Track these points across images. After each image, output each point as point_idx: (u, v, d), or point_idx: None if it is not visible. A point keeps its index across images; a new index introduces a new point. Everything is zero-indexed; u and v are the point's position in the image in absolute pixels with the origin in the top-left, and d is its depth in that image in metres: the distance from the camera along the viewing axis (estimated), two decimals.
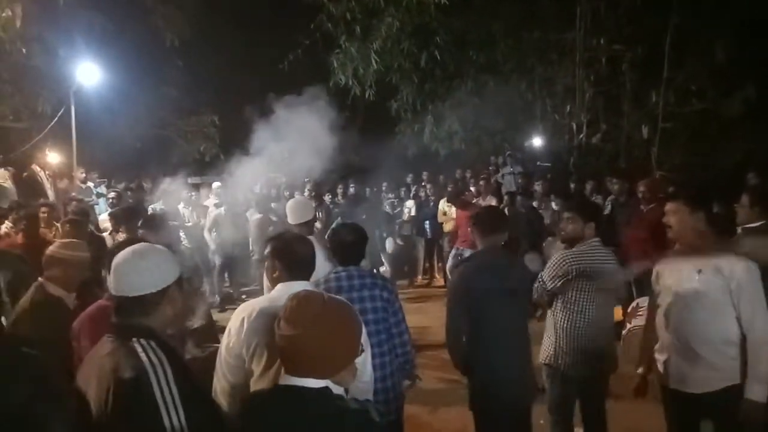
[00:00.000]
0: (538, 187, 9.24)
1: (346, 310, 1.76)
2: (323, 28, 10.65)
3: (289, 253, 2.51)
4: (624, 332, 5.17)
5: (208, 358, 2.91)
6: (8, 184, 8.16)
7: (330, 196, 10.97)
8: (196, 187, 10.62)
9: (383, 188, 12.00)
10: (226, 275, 9.61)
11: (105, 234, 7.07)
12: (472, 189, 10.51)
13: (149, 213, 6.49)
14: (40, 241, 5.10)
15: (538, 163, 12.36)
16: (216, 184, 10.11)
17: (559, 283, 3.42)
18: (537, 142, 13.12)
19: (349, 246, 3.18)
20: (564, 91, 12.30)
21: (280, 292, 2.40)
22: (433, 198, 10.34)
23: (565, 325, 3.45)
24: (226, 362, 2.37)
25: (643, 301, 5.05)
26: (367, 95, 11.58)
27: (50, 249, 3.27)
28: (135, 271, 1.85)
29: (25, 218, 5.55)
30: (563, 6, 11.41)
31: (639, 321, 4.71)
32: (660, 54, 10.51)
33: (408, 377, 3.22)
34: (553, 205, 8.49)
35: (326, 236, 3.26)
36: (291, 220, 3.79)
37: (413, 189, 11.50)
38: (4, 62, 9.30)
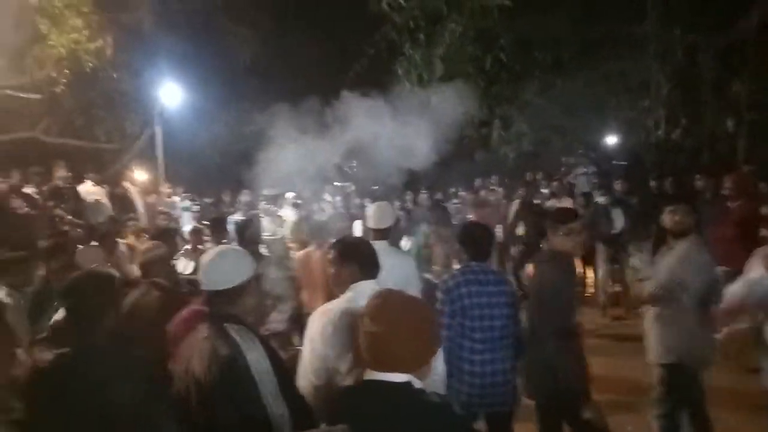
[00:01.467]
0: (617, 186, 8.85)
1: (426, 308, 1.85)
2: (388, 37, 10.83)
3: (359, 254, 2.62)
4: (720, 335, 4.91)
5: (290, 361, 3.05)
6: (105, 200, 8.84)
7: (399, 203, 11.07)
8: (273, 198, 11.03)
9: (450, 193, 11.98)
10: None
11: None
12: (545, 191, 10.29)
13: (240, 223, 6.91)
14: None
15: (614, 162, 11.93)
16: (290, 194, 10.48)
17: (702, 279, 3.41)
18: (611, 140, 12.68)
19: (481, 242, 3.34)
20: (638, 86, 11.82)
21: (356, 293, 2.51)
22: (504, 201, 10.21)
23: (691, 320, 3.38)
24: (311, 365, 2.49)
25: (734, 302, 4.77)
26: (431, 101, 11.61)
27: (146, 256, 3.62)
28: (219, 270, 2.15)
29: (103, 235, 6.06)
30: None
31: (737, 323, 4.49)
32: (741, 41, 9.91)
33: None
34: (600, 200, 8.17)
35: (456, 232, 3.45)
36: (372, 224, 3.83)
37: (481, 193, 11.40)
38: (98, 88, 10.11)
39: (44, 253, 4.47)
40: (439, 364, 2.55)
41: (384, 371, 1.72)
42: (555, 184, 10.23)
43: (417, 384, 1.76)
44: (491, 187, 11.35)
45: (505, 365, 3.17)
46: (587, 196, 9.46)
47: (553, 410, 3.30)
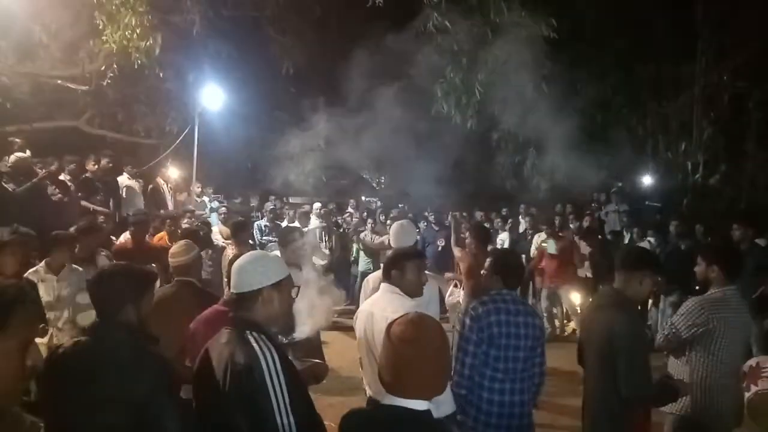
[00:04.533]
0: (672, 228, 8.70)
1: (446, 335, 1.79)
2: (430, 58, 10.86)
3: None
4: (748, 395, 4.66)
5: (306, 372, 3.02)
6: (138, 193, 9.04)
7: (424, 223, 11.04)
8: (299, 207, 11.13)
9: (478, 218, 11.90)
10: None
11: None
12: (572, 226, 10.12)
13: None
14: (147, 246, 6.09)
15: (647, 202, 11.69)
16: (317, 205, 10.57)
17: (699, 331, 3.24)
18: (646, 180, 12.45)
19: (515, 270, 3.35)
20: (679, 128, 11.61)
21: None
22: (531, 232, 10.09)
23: (703, 375, 3.25)
24: None
25: (765, 361, 4.56)
26: (468, 125, 11.60)
27: (179, 258, 3.73)
28: (238, 273, 2.20)
29: (134, 224, 6.39)
30: (682, 38, 10.84)
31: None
32: None
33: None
34: (650, 240, 8.12)
35: (492, 259, 3.42)
36: (393, 243, 3.88)
37: (509, 222, 11.30)
38: (143, 85, 10.38)
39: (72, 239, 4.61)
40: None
41: (405, 397, 1.66)
42: (587, 219, 10.04)
43: (435, 412, 1.71)
44: (521, 216, 11.22)
45: (524, 397, 3.14)
46: (617, 235, 9.31)
47: None
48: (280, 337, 3.41)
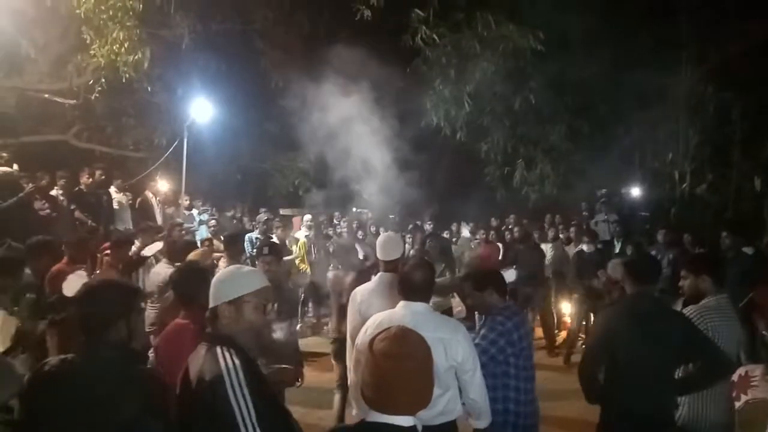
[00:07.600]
0: (660, 236, 8.64)
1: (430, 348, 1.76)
2: (419, 71, 10.94)
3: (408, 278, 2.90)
4: (739, 405, 4.63)
5: (275, 375, 2.98)
6: (126, 207, 8.97)
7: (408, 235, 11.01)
8: (289, 218, 11.10)
9: (469, 229, 11.91)
10: (309, 304, 9.88)
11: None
12: (561, 236, 10.15)
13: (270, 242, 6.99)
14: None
15: (642, 213, 11.76)
16: (307, 217, 10.54)
17: None
18: (635, 189, 12.54)
19: (505, 284, 3.50)
20: (666, 138, 11.73)
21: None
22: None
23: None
24: None
25: (754, 370, 4.55)
26: (457, 136, 11.67)
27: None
28: (213, 286, 2.21)
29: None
30: (668, 49, 10.98)
31: (758, 392, 4.25)
32: None
33: None
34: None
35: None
36: (380, 255, 3.80)
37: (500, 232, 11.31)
38: (131, 98, 10.35)
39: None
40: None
41: (389, 413, 1.62)
42: (573, 229, 10.05)
43: (420, 428, 1.69)
44: (509, 226, 11.24)
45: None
46: (607, 245, 9.33)
47: None
48: None
